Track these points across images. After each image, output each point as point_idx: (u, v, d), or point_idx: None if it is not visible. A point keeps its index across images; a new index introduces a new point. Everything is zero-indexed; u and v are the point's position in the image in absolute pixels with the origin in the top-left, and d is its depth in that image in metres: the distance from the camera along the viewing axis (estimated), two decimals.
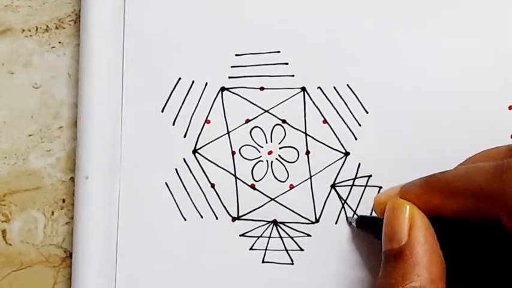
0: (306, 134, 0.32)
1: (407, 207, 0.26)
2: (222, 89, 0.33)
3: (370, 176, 0.32)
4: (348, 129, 0.32)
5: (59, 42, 0.34)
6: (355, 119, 0.32)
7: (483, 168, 0.24)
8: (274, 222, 0.32)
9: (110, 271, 0.32)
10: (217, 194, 0.32)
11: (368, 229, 0.30)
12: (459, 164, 0.28)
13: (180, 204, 0.32)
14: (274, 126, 0.33)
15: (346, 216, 0.32)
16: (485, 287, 0.25)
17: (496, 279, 0.24)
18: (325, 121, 0.32)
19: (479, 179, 0.23)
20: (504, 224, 0.23)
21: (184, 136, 0.33)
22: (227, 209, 0.32)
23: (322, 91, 0.32)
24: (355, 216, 0.31)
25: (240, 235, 0.32)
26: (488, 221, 0.23)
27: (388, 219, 0.26)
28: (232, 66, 0.33)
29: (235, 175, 0.32)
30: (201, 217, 0.32)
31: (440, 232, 0.25)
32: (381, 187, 0.32)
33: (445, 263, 0.25)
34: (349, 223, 0.31)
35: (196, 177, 0.32)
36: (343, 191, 0.32)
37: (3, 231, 0.33)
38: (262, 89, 0.33)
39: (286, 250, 0.32)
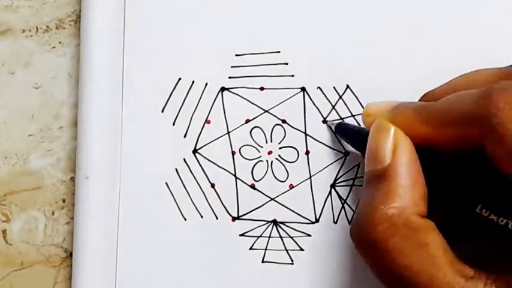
0: (306, 134, 0.32)
1: (392, 129, 0.25)
2: (222, 89, 0.33)
3: None
4: None
5: (59, 43, 0.34)
6: (355, 119, 0.32)
7: (470, 94, 0.23)
8: (274, 222, 0.32)
9: (110, 271, 0.32)
10: (217, 194, 0.32)
11: (345, 136, 0.30)
12: (444, 83, 0.28)
13: (180, 204, 0.32)
14: (274, 126, 0.33)
15: (325, 120, 0.32)
16: (465, 216, 0.25)
17: (475, 209, 0.24)
18: (325, 121, 0.32)
19: (465, 104, 0.23)
20: (488, 150, 0.22)
21: (184, 136, 0.33)
22: (227, 209, 0.32)
23: (322, 91, 0.32)
24: (336, 122, 0.31)
25: (240, 235, 0.32)
26: (475, 149, 0.23)
27: (373, 139, 0.26)
28: (232, 66, 0.33)
29: (235, 175, 0.32)
30: (201, 217, 0.32)
31: (426, 162, 0.25)
32: None
33: (428, 190, 0.25)
34: (328, 126, 0.32)
35: (196, 177, 0.32)
36: (343, 191, 0.32)
37: (4, 231, 0.33)
38: (262, 89, 0.33)
39: (286, 250, 0.32)
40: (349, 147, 0.32)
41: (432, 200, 0.24)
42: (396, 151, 0.25)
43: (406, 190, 0.24)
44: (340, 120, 0.31)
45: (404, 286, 0.23)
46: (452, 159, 0.25)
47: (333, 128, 0.31)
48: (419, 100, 0.29)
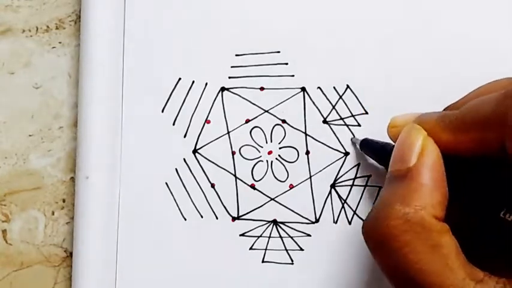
0: (306, 134, 0.32)
1: (423, 133, 0.26)
2: (222, 89, 0.33)
3: (370, 176, 0.32)
4: (348, 129, 0.32)
5: (59, 43, 0.34)
6: (355, 119, 0.32)
7: (488, 98, 0.24)
8: (274, 222, 0.32)
9: (110, 271, 0.32)
10: (217, 194, 0.32)
11: (370, 152, 0.31)
12: (463, 97, 0.28)
13: (180, 204, 0.32)
14: (274, 126, 0.33)
15: (352, 139, 0.32)
16: (488, 221, 0.25)
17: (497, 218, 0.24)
18: (325, 121, 0.32)
19: (484, 109, 0.23)
20: (509, 151, 0.22)
21: (184, 136, 0.33)
22: (227, 209, 0.32)
23: (322, 91, 0.32)
24: (360, 138, 0.31)
25: (240, 235, 0.32)
26: (497, 154, 0.23)
27: (401, 140, 0.26)
28: (232, 66, 0.33)
29: (235, 175, 0.32)
30: (201, 217, 0.32)
31: (450, 169, 0.25)
32: (380, 187, 0.32)
33: (449, 198, 0.24)
34: (353, 143, 0.32)
35: (196, 177, 0.32)
36: (343, 191, 0.32)
37: (4, 231, 0.33)
38: (262, 89, 0.33)
39: (286, 250, 0.32)
40: (350, 148, 0.32)
41: (452, 205, 0.24)
42: (422, 155, 0.25)
43: (426, 192, 0.24)
44: (365, 137, 0.31)
45: (413, 285, 0.23)
46: (476, 164, 0.25)
47: (358, 144, 0.31)
48: (443, 111, 0.29)
